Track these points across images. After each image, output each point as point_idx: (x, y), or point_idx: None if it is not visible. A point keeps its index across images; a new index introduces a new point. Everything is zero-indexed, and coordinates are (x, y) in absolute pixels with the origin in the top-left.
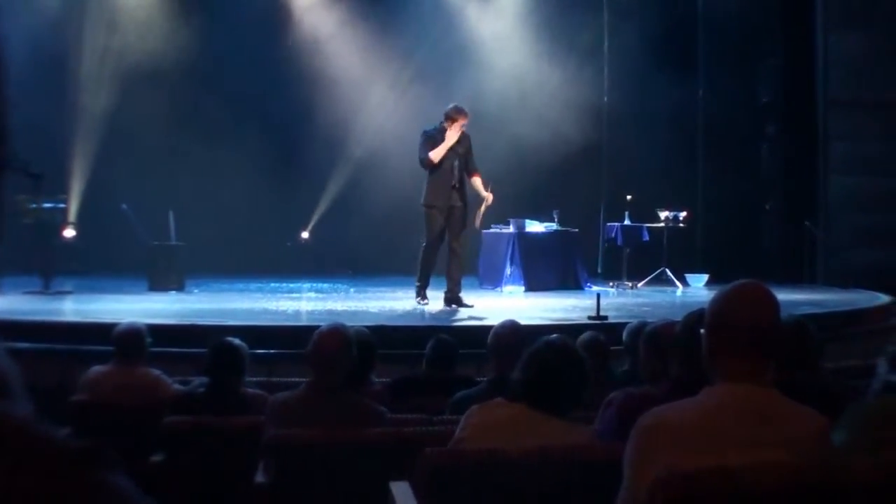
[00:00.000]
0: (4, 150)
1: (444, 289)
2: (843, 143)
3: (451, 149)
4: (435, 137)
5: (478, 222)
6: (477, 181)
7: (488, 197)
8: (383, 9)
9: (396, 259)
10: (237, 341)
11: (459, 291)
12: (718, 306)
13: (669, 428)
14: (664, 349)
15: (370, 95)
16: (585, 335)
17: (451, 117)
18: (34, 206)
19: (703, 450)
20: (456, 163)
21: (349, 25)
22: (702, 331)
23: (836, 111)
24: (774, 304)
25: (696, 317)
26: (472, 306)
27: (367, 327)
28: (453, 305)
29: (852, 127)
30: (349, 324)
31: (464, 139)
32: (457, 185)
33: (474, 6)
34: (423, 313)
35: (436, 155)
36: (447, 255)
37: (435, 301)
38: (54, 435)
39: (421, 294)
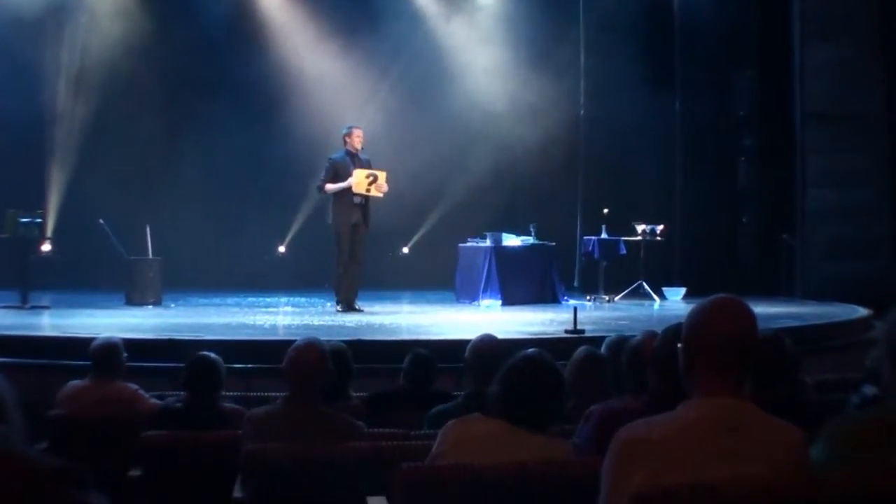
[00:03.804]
0: None
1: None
2: (820, 155)
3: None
4: (336, 166)
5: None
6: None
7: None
8: (360, 23)
9: (372, 273)
10: (214, 356)
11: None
12: (695, 321)
13: (647, 442)
14: (643, 362)
15: (347, 108)
16: (581, 350)
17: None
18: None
19: (681, 464)
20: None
21: (326, 39)
22: (679, 345)
23: (812, 124)
24: (751, 318)
25: (674, 331)
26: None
27: (343, 341)
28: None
29: (829, 139)
30: (326, 338)
31: (363, 162)
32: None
33: (451, 20)
34: (398, 327)
35: (330, 189)
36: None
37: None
38: (32, 455)
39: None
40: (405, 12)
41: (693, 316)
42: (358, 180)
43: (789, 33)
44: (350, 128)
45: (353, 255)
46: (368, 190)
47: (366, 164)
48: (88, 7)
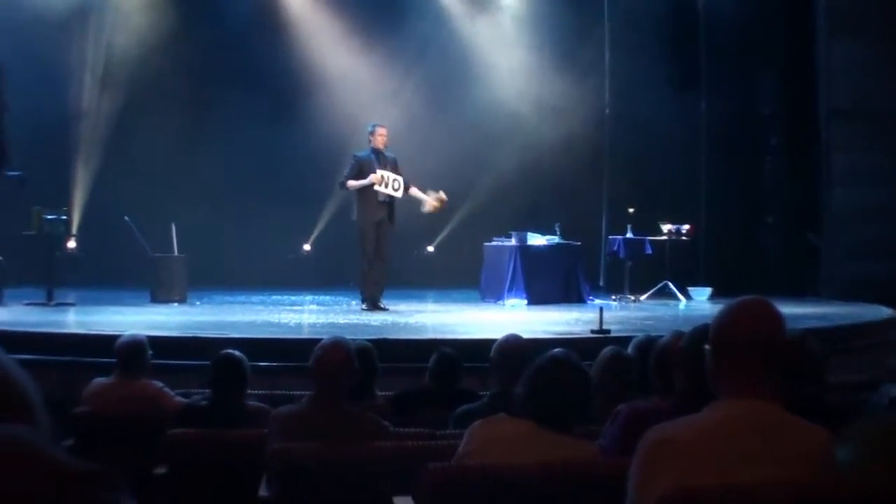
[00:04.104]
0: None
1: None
2: (845, 154)
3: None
4: (361, 163)
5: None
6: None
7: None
8: (385, 21)
9: (398, 272)
10: (239, 354)
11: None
12: (722, 322)
13: (674, 444)
14: (670, 363)
15: (371, 106)
16: (607, 350)
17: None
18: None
19: (708, 466)
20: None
21: (350, 36)
22: (706, 346)
23: (837, 122)
24: (779, 319)
25: (702, 332)
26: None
27: (369, 340)
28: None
29: (854, 138)
30: (351, 337)
31: (388, 159)
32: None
33: (475, 19)
34: (423, 326)
35: (352, 185)
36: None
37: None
38: (61, 457)
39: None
40: (429, 11)
41: (720, 317)
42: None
43: (814, 31)
44: (374, 126)
45: (378, 254)
46: (396, 190)
47: (392, 163)
48: (113, 4)
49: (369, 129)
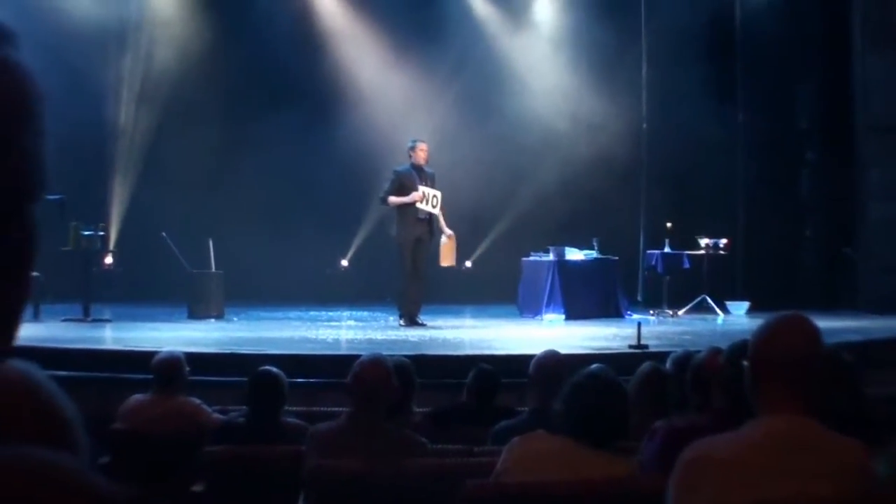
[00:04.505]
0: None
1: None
2: (881, 168)
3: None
4: (402, 179)
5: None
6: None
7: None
8: (422, 36)
9: (435, 287)
10: (277, 370)
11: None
12: (761, 339)
13: (713, 460)
14: (708, 379)
15: (408, 121)
16: (645, 365)
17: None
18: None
19: (747, 482)
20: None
21: (387, 51)
22: (744, 363)
23: (874, 136)
24: (816, 335)
25: (740, 348)
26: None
27: (407, 356)
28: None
29: (890, 152)
30: (388, 353)
31: (427, 175)
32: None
33: (512, 33)
34: (461, 341)
35: (393, 202)
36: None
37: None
38: (101, 484)
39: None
40: (466, 26)
41: (759, 334)
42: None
43: (850, 46)
44: (415, 142)
45: (416, 269)
46: (434, 207)
47: (431, 178)
48: (150, 21)
49: (410, 144)
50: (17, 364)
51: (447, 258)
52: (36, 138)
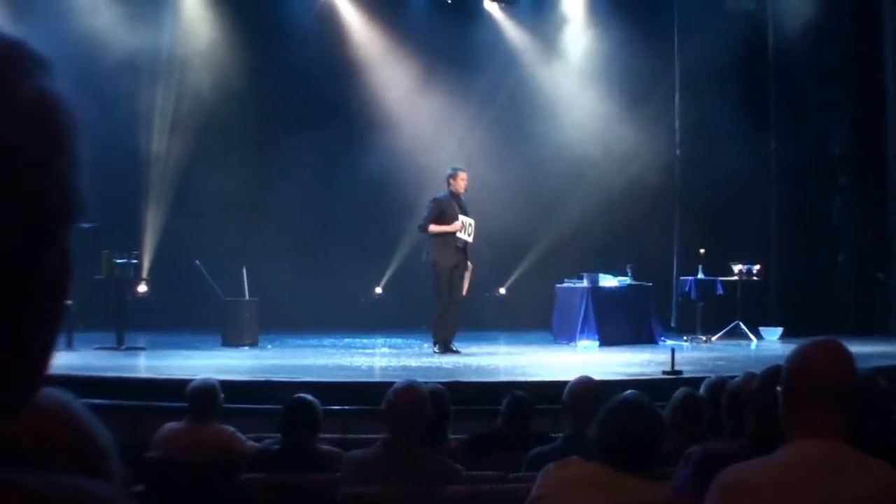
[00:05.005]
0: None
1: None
2: None
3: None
4: (442, 206)
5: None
6: None
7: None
8: (456, 64)
9: (470, 314)
10: (311, 398)
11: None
12: (795, 364)
13: (748, 486)
14: (742, 405)
15: (442, 149)
16: (680, 391)
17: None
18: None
19: None
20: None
21: (422, 79)
22: (778, 388)
23: None
24: (851, 361)
25: (773, 373)
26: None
27: (441, 383)
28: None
29: None
30: (423, 379)
31: (464, 203)
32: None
33: (546, 62)
34: (495, 368)
35: (434, 230)
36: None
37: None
38: None
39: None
40: (500, 54)
41: (793, 359)
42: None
43: (883, 72)
44: (455, 170)
45: (451, 297)
46: (470, 235)
47: (465, 207)
48: (183, 49)
49: (450, 171)
50: (53, 392)
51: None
52: (72, 166)
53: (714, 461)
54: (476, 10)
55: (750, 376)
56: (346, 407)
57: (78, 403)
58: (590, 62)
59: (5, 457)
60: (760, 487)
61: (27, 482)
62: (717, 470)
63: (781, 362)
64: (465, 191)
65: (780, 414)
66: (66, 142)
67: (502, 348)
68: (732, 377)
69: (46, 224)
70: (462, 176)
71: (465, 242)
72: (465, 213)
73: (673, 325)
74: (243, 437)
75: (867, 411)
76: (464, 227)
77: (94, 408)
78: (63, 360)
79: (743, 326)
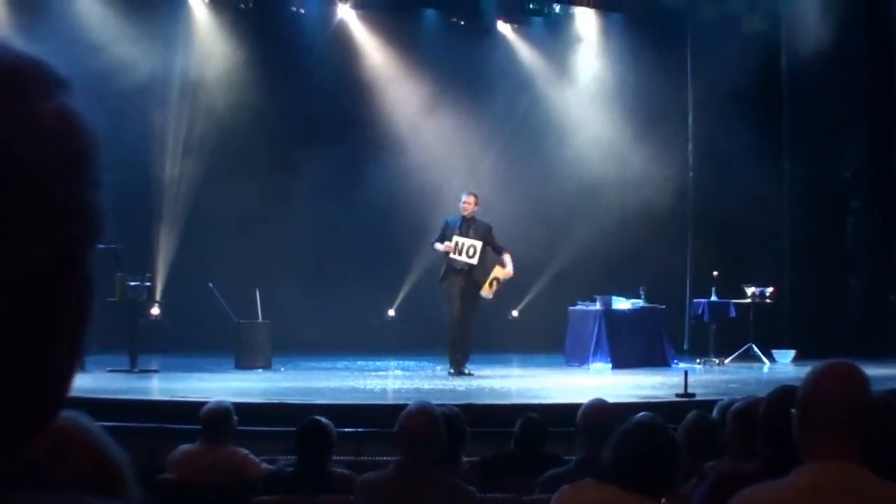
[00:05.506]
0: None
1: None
2: None
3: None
4: (446, 228)
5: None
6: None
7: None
8: (469, 87)
9: (482, 336)
10: (325, 420)
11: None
12: (809, 386)
13: None
14: (749, 426)
15: (456, 171)
16: (692, 414)
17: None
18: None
19: None
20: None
21: (436, 101)
22: (793, 410)
23: None
24: (864, 382)
25: (778, 395)
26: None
27: (455, 405)
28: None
29: None
30: (437, 402)
31: (477, 226)
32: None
33: (559, 84)
34: (508, 391)
35: (436, 248)
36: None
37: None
38: None
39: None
40: (513, 76)
41: (807, 381)
42: (455, 253)
43: (894, 94)
44: (462, 194)
45: (462, 319)
46: (471, 258)
47: (482, 229)
48: (196, 68)
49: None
50: (71, 414)
51: (487, 288)
52: (94, 186)
53: (728, 482)
54: (489, 31)
55: (758, 399)
56: (360, 429)
57: (94, 425)
58: (603, 84)
59: (26, 477)
60: None
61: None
62: (732, 490)
63: (788, 383)
64: (469, 214)
65: (795, 436)
66: (87, 162)
67: (515, 370)
68: (743, 399)
69: (71, 246)
70: (466, 199)
71: (467, 265)
72: (474, 236)
73: (686, 347)
74: (257, 459)
75: (884, 434)
76: (458, 249)
77: (107, 430)
78: (76, 383)
79: (756, 349)
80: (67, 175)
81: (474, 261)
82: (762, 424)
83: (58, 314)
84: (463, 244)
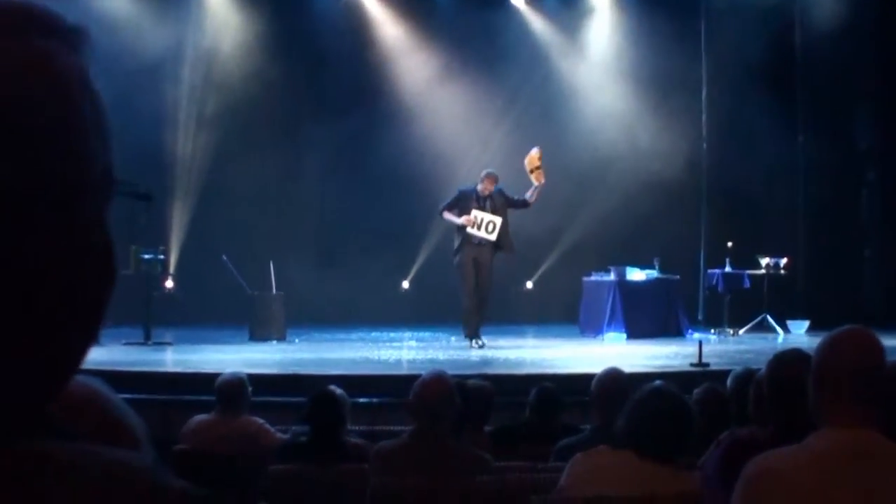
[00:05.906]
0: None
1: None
2: None
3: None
4: (461, 197)
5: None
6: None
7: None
8: (483, 59)
9: (497, 307)
10: (339, 390)
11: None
12: (825, 352)
13: (778, 475)
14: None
15: (471, 142)
16: (705, 384)
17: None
18: (143, 256)
19: (811, 495)
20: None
21: (450, 73)
22: (809, 377)
23: None
24: (880, 348)
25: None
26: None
27: (469, 375)
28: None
29: None
30: (452, 372)
31: (495, 201)
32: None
33: (572, 56)
34: (523, 361)
35: (446, 217)
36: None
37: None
38: (175, 482)
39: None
40: (526, 48)
41: (822, 347)
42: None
43: None
44: (484, 172)
45: (477, 291)
46: (490, 233)
47: (497, 205)
48: (209, 42)
49: (483, 172)
50: (85, 379)
51: (538, 176)
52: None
53: (742, 448)
54: (502, 3)
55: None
56: (374, 399)
57: (107, 388)
58: (616, 56)
59: (39, 430)
60: (790, 475)
61: (62, 453)
62: (746, 457)
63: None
64: (487, 192)
65: (810, 401)
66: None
67: (530, 341)
68: (758, 370)
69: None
70: (486, 180)
71: (484, 240)
72: (493, 211)
73: (700, 318)
74: (271, 429)
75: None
76: (477, 224)
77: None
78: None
79: (770, 319)
80: (76, 128)
81: (493, 237)
82: (767, 391)
83: (79, 271)
84: (483, 219)
